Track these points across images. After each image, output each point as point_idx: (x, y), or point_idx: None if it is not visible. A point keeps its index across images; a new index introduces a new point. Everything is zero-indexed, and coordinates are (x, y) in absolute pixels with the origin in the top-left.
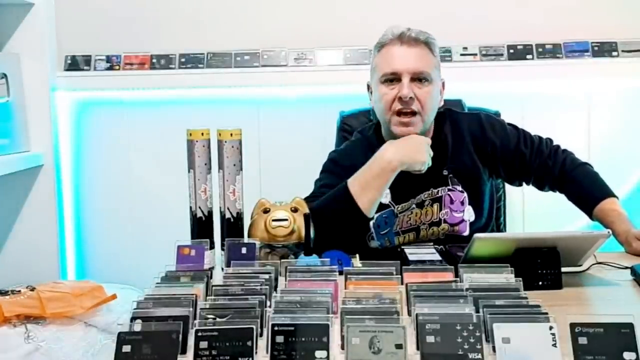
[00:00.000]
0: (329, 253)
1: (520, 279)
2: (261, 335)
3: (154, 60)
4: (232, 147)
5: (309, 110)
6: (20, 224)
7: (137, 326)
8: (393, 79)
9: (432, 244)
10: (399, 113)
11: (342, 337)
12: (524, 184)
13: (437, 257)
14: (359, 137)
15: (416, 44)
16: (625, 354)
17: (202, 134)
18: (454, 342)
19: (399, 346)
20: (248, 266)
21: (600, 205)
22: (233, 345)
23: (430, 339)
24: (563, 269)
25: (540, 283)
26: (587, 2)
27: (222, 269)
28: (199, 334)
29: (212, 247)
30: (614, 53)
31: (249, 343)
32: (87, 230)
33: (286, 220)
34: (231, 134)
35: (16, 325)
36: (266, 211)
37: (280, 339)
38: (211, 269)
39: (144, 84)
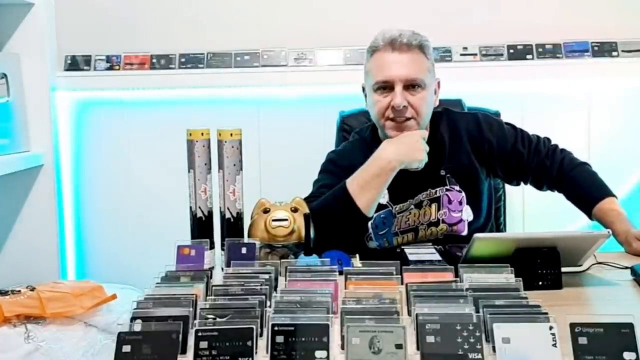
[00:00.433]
0: (329, 253)
1: (520, 279)
2: (261, 335)
3: (154, 60)
4: (232, 147)
5: (309, 110)
6: (20, 224)
7: (137, 326)
8: (386, 86)
9: (430, 244)
10: (393, 119)
11: (342, 337)
12: (522, 183)
13: (437, 257)
14: (357, 137)
15: (408, 49)
16: (625, 354)
17: (202, 134)
18: (454, 342)
19: (399, 346)
20: (248, 266)
21: (599, 205)
22: (233, 345)
23: (430, 339)
24: (563, 269)
25: (540, 283)
26: (587, 2)
27: (222, 269)
28: (199, 334)
29: (212, 247)
30: (614, 53)
31: (249, 343)
32: (87, 230)
33: (286, 220)
34: (231, 134)
35: (16, 325)
36: (266, 211)
37: (280, 339)
38: (211, 269)
39: (144, 84)
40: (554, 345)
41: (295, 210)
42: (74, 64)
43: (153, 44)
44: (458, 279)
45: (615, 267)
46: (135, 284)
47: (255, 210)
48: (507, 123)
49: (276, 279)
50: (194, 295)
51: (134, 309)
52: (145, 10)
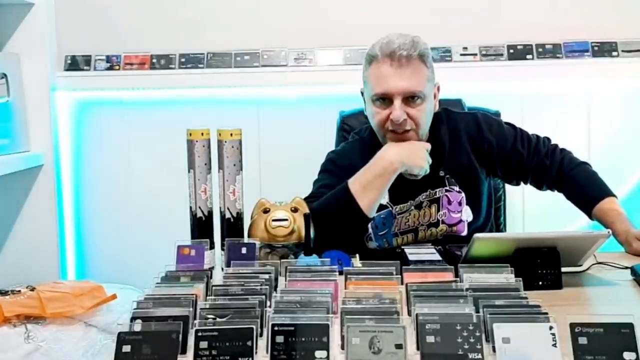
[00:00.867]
0: (329, 253)
1: (520, 279)
2: (261, 335)
3: (154, 60)
4: (232, 147)
5: (309, 110)
6: (20, 224)
7: (137, 326)
8: (384, 98)
9: (430, 244)
10: (393, 131)
11: (342, 337)
12: (522, 183)
13: (437, 257)
14: (356, 137)
15: (408, 62)
16: (625, 354)
17: (202, 134)
18: (454, 342)
19: (399, 346)
20: (248, 266)
21: (599, 205)
22: (233, 345)
23: (430, 339)
24: (563, 269)
25: (540, 283)
26: (587, 2)
27: (222, 269)
28: (199, 334)
29: (212, 247)
30: (614, 53)
31: (249, 343)
32: (87, 230)
33: (286, 220)
34: (231, 134)
35: (16, 325)
36: (266, 211)
37: (280, 339)
38: (211, 269)
39: (144, 84)
40: (554, 345)
41: (295, 210)
42: (74, 64)
43: (153, 44)
44: (458, 279)
45: (615, 267)
46: (135, 284)
47: (255, 210)
48: (506, 123)
49: (276, 279)
50: (194, 295)
51: (134, 309)
52: (145, 10)
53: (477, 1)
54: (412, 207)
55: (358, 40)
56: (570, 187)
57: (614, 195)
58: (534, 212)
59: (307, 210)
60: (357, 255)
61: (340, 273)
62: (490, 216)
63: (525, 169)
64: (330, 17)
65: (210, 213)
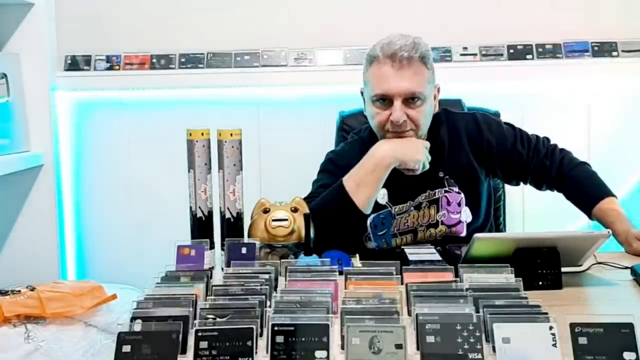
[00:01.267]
0: (329, 253)
1: (520, 279)
2: (261, 335)
3: (154, 60)
4: (232, 147)
5: (309, 110)
6: (20, 224)
7: (137, 326)
8: (385, 99)
9: (430, 245)
10: (393, 131)
11: (342, 337)
12: (521, 183)
13: (437, 257)
14: (355, 137)
15: (409, 64)
16: (625, 354)
17: (202, 134)
18: (454, 342)
19: (399, 346)
20: (248, 266)
21: (599, 205)
22: (233, 345)
23: (430, 339)
24: (563, 269)
25: (540, 283)
26: (587, 2)
27: (222, 269)
28: (199, 334)
29: (212, 247)
30: (614, 53)
31: (249, 343)
32: (87, 230)
33: (286, 220)
34: (231, 134)
35: (16, 325)
36: (266, 211)
37: (280, 339)
38: (211, 269)
39: (144, 84)
40: (554, 345)
41: (295, 210)
42: (74, 64)
43: (153, 44)
44: (458, 279)
45: (615, 267)
46: (135, 284)
47: (255, 210)
48: (506, 123)
49: (276, 279)
50: (194, 295)
51: (134, 309)
52: (145, 10)
53: (477, 1)
54: (412, 208)
55: (358, 40)
56: (570, 187)
57: (613, 195)
58: (534, 212)
59: (307, 210)
60: (357, 255)
61: (340, 273)
62: (490, 217)
63: (525, 169)
64: (330, 17)
65: (210, 213)
